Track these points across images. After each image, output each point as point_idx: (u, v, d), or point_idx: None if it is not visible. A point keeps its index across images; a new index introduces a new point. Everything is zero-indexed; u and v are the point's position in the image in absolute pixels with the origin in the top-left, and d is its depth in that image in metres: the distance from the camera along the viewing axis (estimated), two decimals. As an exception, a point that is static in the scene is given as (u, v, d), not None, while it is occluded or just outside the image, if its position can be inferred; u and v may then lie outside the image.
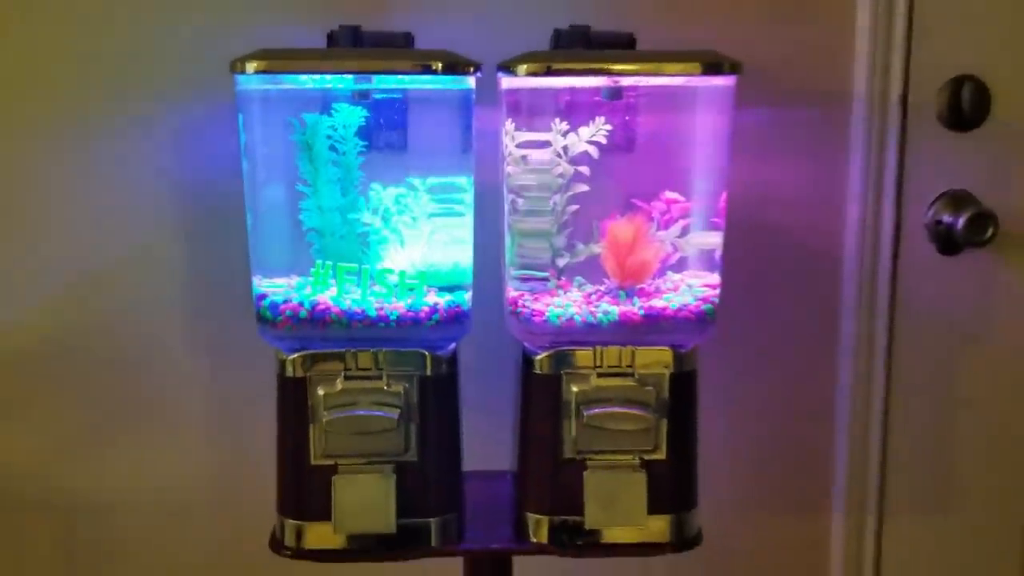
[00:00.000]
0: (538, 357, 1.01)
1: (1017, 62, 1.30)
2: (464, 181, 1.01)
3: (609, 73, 0.97)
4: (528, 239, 1.03)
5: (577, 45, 1.04)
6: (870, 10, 1.26)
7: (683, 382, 1.01)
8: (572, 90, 1.02)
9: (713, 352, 1.25)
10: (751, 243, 1.31)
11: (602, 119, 1.02)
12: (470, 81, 0.98)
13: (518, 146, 1.00)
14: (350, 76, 0.97)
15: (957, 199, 1.30)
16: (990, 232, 1.27)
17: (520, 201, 1.02)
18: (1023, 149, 1.31)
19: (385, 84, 0.99)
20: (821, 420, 1.36)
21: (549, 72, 0.95)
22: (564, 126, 1.01)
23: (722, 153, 1.04)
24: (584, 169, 1.03)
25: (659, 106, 1.04)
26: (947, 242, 1.31)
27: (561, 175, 1.03)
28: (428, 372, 0.99)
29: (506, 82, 0.99)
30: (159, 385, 1.27)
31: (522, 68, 0.95)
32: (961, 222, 1.28)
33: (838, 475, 1.37)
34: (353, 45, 1.02)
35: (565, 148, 1.03)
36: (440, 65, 0.94)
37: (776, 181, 1.30)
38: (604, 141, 1.02)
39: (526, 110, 0.99)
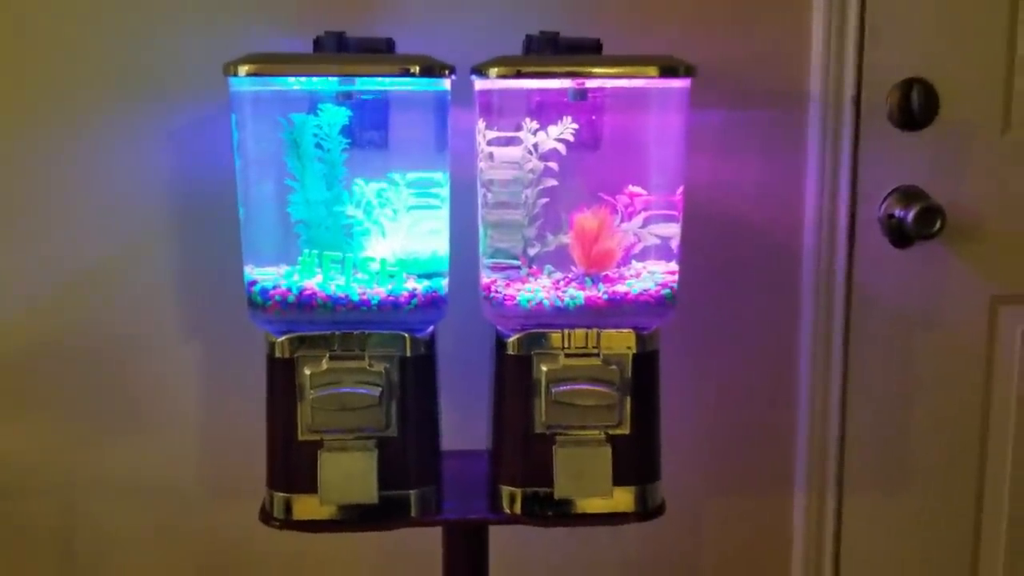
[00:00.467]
0: (510, 339, 1.09)
1: (963, 65, 1.37)
2: (440, 176, 1.09)
3: (574, 76, 1.05)
4: (500, 230, 1.10)
5: (547, 50, 1.12)
6: (824, 15, 1.34)
7: (645, 361, 1.09)
8: (541, 91, 1.09)
9: (679, 339, 1.33)
10: (715, 237, 1.39)
11: (569, 119, 1.10)
12: (446, 83, 1.05)
13: (490, 143, 1.08)
14: (334, 79, 1.04)
15: (908, 194, 1.38)
16: (938, 225, 1.34)
17: (492, 195, 1.09)
18: (968, 147, 1.39)
19: (367, 86, 1.07)
20: (783, 403, 1.44)
21: (519, 75, 1.03)
22: (534, 125, 1.09)
23: (679, 150, 1.12)
24: (553, 165, 1.11)
25: (621, 106, 1.12)
26: (899, 235, 1.39)
27: (531, 170, 1.11)
28: (408, 353, 1.07)
29: (479, 84, 1.07)
30: (156, 376, 1.34)
31: (493, 71, 1.02)
32: (911, 216, 1.34)
33: (799, 455, 1.44)
34: (338, 50, 1.09)
35: (535, 145, 1.10)
36: (418, 68, 1.01)
37: (737, 178, 1.38)
38: (571, 139, 1.10)
39: (498, 110, 1.07)
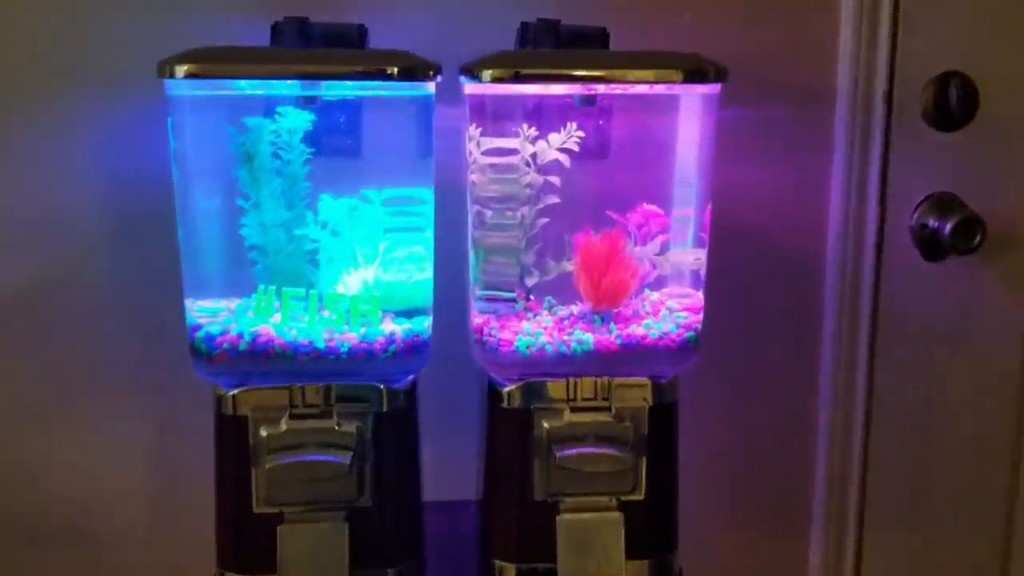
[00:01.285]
0: (506, 389, 0.92)
1: (1006, 58, 1.22)
2: (423, 192, 0.91)
3: (583, 80, 0.87)
4: (494, 255, 0.93)
5: (546, 42, 0.94)
6: (854, 4, 1.18)
7: (663, 415, 0.93)
8: (541, 93, 0.92)
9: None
10: (728, 246, 1.21)
11: (574, 125, 0.93)
12: (429, 87, 0.88)
13: (484, 153, 0.90)
14: (294, 81, 0.86)
15: (943, 203, 1.23)
16: (978, 239, 1.20)
17: (486, 213, 0.92)
18: (1011, 149, 1.25)
19: (335, 89, 0.88)
20: (801, 428, 1.29)
21: (517, 78, 0.86)
22: (532, 132, 0.92)
23: (706, 162, 0.95)
24: (555, 179, 0.93)
25: (636, 112, 0.95)
26: (932, 247, 1.25)
27: (529, 185, 0.94)
28: (384, 407, 0.90)
29: (470, 88, 0.89)
30: (86, 408, 1.15)
31: (487, 73, 0.85)
32: (948, 228, 1.20)
33: (817, 484, 1.30)
34: (300, 39, 0.91)
35: (534, 156, 0.93)
36: (396, 70, 0.83)
37: (755, 182, 1.22)
38: (576, 149, 0.93)
39: (491, 116, 0.90)
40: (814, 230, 1.25)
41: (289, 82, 0.85)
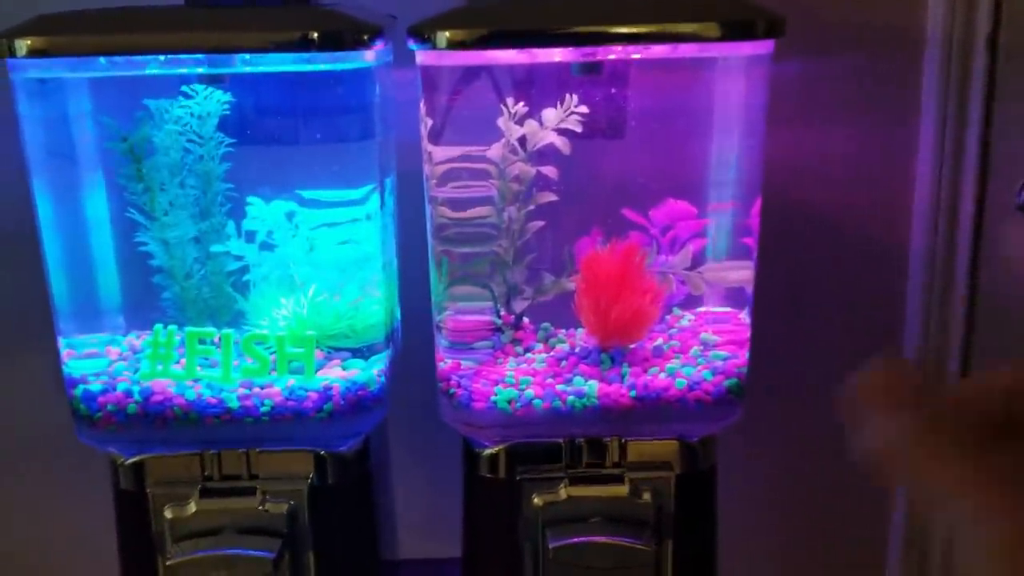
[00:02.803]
0: (486, 452, 0.70)
1: None
2: (369, 193, 0.68)
3: (580, 42, 0.63)
4: (461, 282, 0.71)
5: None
6: (950, -80, 0.92)
7: (695, 487, 0.70)
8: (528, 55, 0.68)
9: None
10: (786, 233, 0.98)
11: (574, 98, 0.69)
12: (368, 56, 0.64)
13: (438, 142, 0.67)
14: (181, 56, 0.63)
15: (1061, 173, 0.97)
16: (1108, 221, 0.94)
17: (449, 222, 0.69)
18: None
19: (229, 64, 0.66)
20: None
21: (485, 43, 0.62)
22: (520, 108, 0.68)
23: (753, 144, 0.71)
24: (550, 170, 0.70)
25: (659, 79, 0.70)
26: (1046, 231, 0.98)
27: (519, 179, 0.71)
28: (328, 479, 0.69)
29: (421, 56, 0.65)
30: None
31: (442, 36, 0.61)
32: (1069, 207, 0.95)
33: (893, 536, 1.06)
34: None
35: (522, 140, 0.70)
36: (317, 36, 0.60)
37: (820, 151, 0.98)
38: (578, 129, 0.69)
39: (451, 94, 0.66)
40: (894, 212, 1.00)
41: (163, 57, 0.62)
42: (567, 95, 0.69)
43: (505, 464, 0.70)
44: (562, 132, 0.70)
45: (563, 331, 0.75)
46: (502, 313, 0.74)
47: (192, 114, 0.68)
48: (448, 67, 0.65)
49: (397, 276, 0.79)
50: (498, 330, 0.73)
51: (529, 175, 0.71)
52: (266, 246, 0.71)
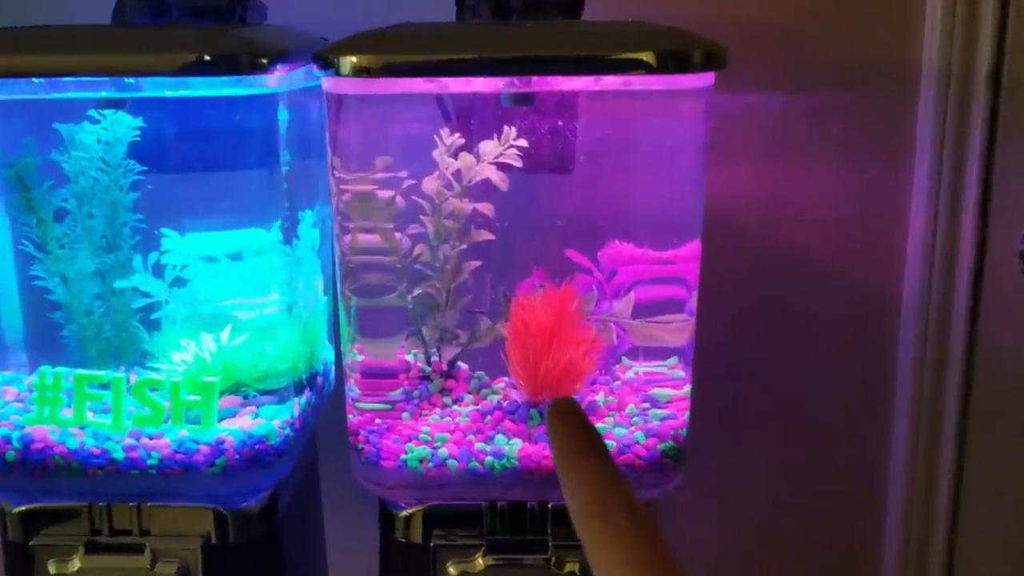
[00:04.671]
0: (401, 514, 0.64)
1: None
2: (273, 225, 0.63)
3: (491, 71, 0.58)
4: (371, 336, 0.65)
5: (490, 11, 0.65)
6: (948, -56, 0.85)
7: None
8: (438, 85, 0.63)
9: (719, 423, 0.89)
10: (772, 277, 0.92)
11: (512, 130, 0.63)
12: (270, 81, 0.59)
13: (346, 179, 0.62)
14: (68, 79, 0.58)
15: (1067, 218, 0.89)
16: (1119, 272, 0.86)
17: (355, 268, 0.64)
18: None
19: (148, 86, 0.61)
20: (866, 512, 0.98)
21: (392, 70, 0.56)
22: (454, 140, 0.63)
23: (695, 184, 0.64)
24: (486, 207, 0.65)
25: (595, 114, 0.64)
26: (1051, 280, 0.90)
27: (453, 215, 0.65)
28: (231, 537, 0.63)
29: (328, 83, 0.60)
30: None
31: (347, 63, 0.55)
32: (1076, 256, 0.87)
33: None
34: (150, 15, 0.64)
35: (458, 175, 0.64)
36: (211, 58, 0.55)
37: (809, 191, 0.91)
38: (518, 163, 0.64)
39: (358, 123, 0.61)
40: (886, 259, 0.93)
41: (41, 80, 0.57)
42: (505, 127, 0.64)
43: (422, 528, 0.64)
44: (500, 164, 0.64)
45: (504, 380, 0.69)
46: (433, 360, 0.68)
47: (99, 140, 0.64)
48: (354, 96, 0.59)
49: (327, 315, 0.74)
50: (426, 378, 0.68)
51: (464, 211, 0.66)
52: (177, 282, 0.66)
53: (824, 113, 0.89)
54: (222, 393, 0.64)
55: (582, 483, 0.39)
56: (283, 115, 0.62)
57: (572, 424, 0.41)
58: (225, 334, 0.64)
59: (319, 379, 0.71)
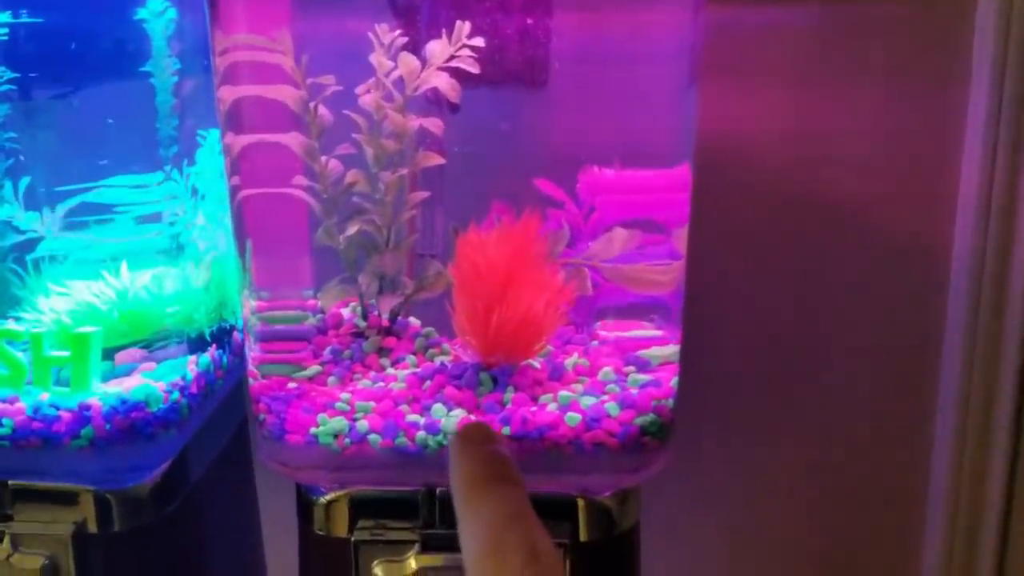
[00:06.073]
0: (320, 501, 0.52)
1: None
2: (163, 165, 0.51)
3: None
4: (271, 291, 0.53)
5: None
6: None
7: (605, 558, 0.51)
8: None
9: (727, 428, 0.77)
10: (794, 228, 0.79)
11: (465, 26, 0.51)
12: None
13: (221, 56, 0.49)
14: None
15: None
16: None
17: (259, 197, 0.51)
18: None
19: None
20: (905, 528, 0.84)
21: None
22: (395, 37, 0.51)
23: (676, 95, 0.51)
24: (434, 124, 0.52)
25: (568, 17, 0.52)
26: None
27: (396, 134, 0.53)
28: (116, 525, 0.51)
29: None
30: None
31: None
32: None
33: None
34: None
35: (400, 82, 0.52)
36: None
37: (843, 125, 0.77)
38: (474, 69, 0.51)
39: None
40: (933, 219, 0.80)
41: None
42: (458, 22, 0.51)
43: (346, 518, 0.52)
44: (451, 70, 0.52)
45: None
46: (371, 314, 0.56)
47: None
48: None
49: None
50: (360, 335, 0.55)
51: (408, 130, 0.53)
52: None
53: (862, 30, 0.75)
54: (120, 348, 0.52)
55: (479, 517, 0.33)
56: (171, 13, 0.50)
57: (480, 451, 0.36)
58: (105, 277, 0.52)
59: (236, 335, 0.59)
